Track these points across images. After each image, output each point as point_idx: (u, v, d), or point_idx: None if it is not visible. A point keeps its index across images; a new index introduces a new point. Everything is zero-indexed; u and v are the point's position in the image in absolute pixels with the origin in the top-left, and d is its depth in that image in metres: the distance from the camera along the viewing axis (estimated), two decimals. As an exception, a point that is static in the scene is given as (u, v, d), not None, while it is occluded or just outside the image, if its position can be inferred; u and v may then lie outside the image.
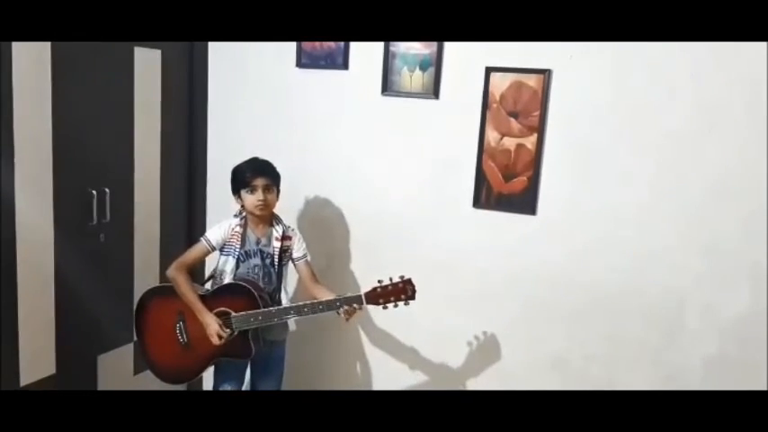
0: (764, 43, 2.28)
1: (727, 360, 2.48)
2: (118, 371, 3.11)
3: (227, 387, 2.65)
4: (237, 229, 2.58)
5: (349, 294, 2.45)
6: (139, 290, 2.84)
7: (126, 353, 3.13)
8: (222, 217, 2.72)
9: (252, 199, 2.53)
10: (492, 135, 2.73)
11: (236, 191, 2.59)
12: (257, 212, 2.55)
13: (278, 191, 2.61)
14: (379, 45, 2.86)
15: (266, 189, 2.54)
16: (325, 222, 3.08)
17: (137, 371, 3.17)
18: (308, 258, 2.69)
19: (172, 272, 2.56)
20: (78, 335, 2.87)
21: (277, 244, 2.60)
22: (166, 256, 3.03)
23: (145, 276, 3.11)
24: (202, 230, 3.25)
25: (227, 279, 2.56)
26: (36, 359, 2.71)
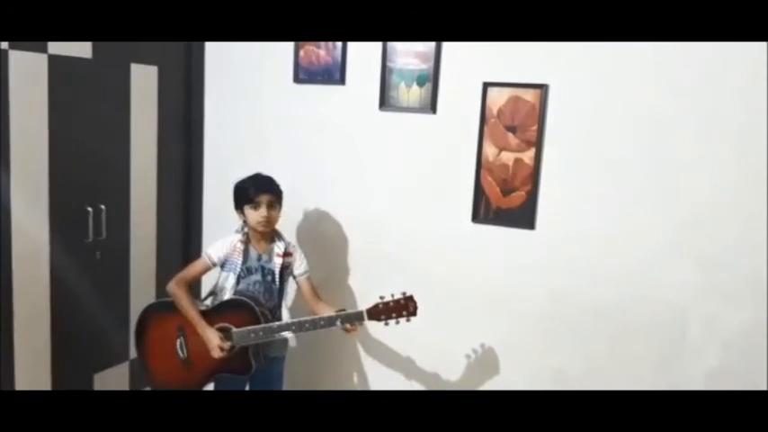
0: (764, 46, 2.30)
1: (728, 372, 2.49)
2: (114, 389, 3.07)
3: (226, 404, 2.63)
4: (239, 245, 2.57)
5: (350, 310, 2.45)
6: (136, 307, 2.83)
7: (122, 371, 3.10)
8: (219, 233, 2.71)
9: (255, 215, 2.53)
10: (490, 150, 2.74)
11: (238, 206, 2.59)
12: (260, 228, 2.55)
13: (280, 206, 2.61)
14: (377, 60, 2.87)
15: (270, 205, 2.55)
16: (323, 237, 3.07)
17: (133, 389, 3.14)
18: (309, 275, 2.69)
19: (172, 287, 2.55)
20: (75, 353, 2.85)
21: (278, 260, 2.60)
22: (163, 274, 3.01)
23: (141, 294, 3.10)
24: (199, 247, 3.26)
25: (228, 295, 2.55)
26: (32, 377, 2.69)
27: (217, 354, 2.45)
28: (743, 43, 2.29)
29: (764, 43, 2.29)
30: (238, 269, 2.56)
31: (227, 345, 2.45)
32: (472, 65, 2.73)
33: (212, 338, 2.46)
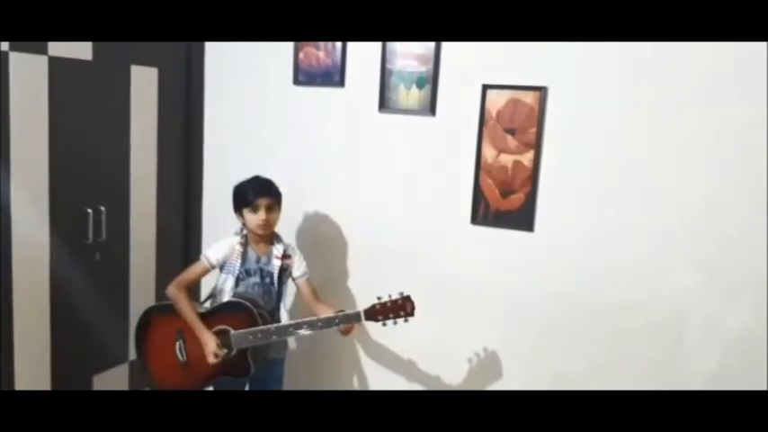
0: (765, 46, 2.30)
1: (728, 375, 2.48)
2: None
3: (225, 406, 2.63)
4: (238, 247, 2.57)
5: (348, 311, 2.45)
6: (136, 309, 2.83)
7: (122, 373, 3.11)
8: (219, 234, 2.71)
9: (254, 218, 2.53)
10: (489, 152, 2.74)
11: (237, 209, 2.59)
12: (259, 231, 2.55)
13: (279, 209, 2.61)
14: (376, 62, 2.87)
15: (268, 208, 2.55)
16: (322, 239, 3.08)
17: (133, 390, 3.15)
18: (309, 277, 2.69)
19: (172, 290, 2.55)
20: (74, 355, 2.85)
21: (277, 263, 2.60)
22: (163, 275, 3.02)
23: (141, 295, 3.10)
24: (199, 249, 3.26)
25: (227, 297, 2.55)
26: (32, 379, 2.70)
27: (211, 359, 2.45)
28: (743, 43, 2.28)
29: (764, 43, 2.29)
30: (237, 271, 2.56)
31: (221, 352, 2.45)
32: (471, 67, 2.73)
33: (208, 343, 2.46)
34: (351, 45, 2.93)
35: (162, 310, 2.61)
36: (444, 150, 2.83)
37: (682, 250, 2.50)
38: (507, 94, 2.68)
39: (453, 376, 2.94)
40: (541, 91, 2.62)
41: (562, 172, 2.64)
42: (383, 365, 3.08)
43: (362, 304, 2.46)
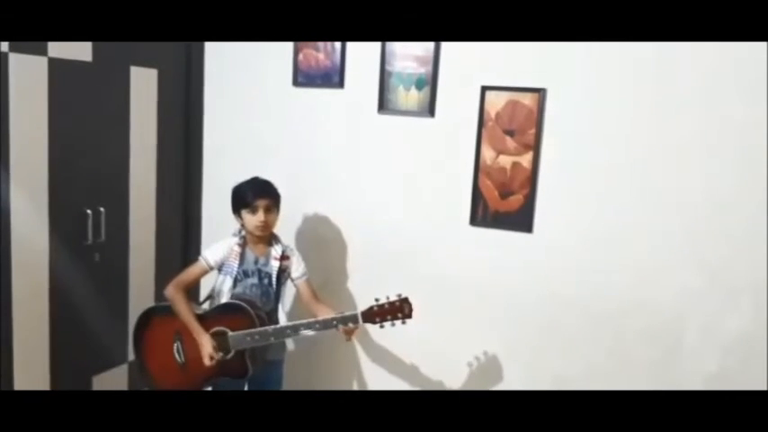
0: (764, 46, 2.29)
1: (727, 377, 2.47)
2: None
3: (224, 407, 2.63)
4: (236, 248, 2.57)
5: (346, 313, 2.44)
6: (135, 310, 2.82)
7: (121, 373, 3.11)
8: (218, 235, 2.71)
9: (253, 219, 2.53)
10: (488, 153, 2.74)
11: (236, 210, 2.59)
12: (258, 233, 2.55)
13: (278, 211, 2.61)
14: (375, 64, 2.87)
15: (267, 210, 2.54)
16: (322, 240, 3.07)
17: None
18: (308, 277, 2.69)
19: (170, 291, 2.54)
20: (73, 356, 2.85)
21: (275, 264, 2.59)
22: (162, 276, 3.01)
23: (140, 296, 3.10)
24: (198, 250, 3.26)
25: (225, 299, 2.54)
26: (31, 380, 2.70)
27: (207, 361, 2.44)
28: (743, 43, 2.28)
29: (764, 43, 2.29)
30: (235, 272, 2.56)
31: (217, 355, 2.44)
32: (470, 68, 2.73)
33: (205, 345, 2.45)
34: (350, 46, 2.93)
35: (160, 311, 2.61)
36: (443, 152, 2.83)
37: (682, 251, 2.49)
38: (506, 95, 2.68)
39: (453, 377, 2.93)
40: (540, 92, 2.62)
41: (561, 173, 2.64)
42: (383, 367, 3.08)
43: (362, 305, 2.45)
